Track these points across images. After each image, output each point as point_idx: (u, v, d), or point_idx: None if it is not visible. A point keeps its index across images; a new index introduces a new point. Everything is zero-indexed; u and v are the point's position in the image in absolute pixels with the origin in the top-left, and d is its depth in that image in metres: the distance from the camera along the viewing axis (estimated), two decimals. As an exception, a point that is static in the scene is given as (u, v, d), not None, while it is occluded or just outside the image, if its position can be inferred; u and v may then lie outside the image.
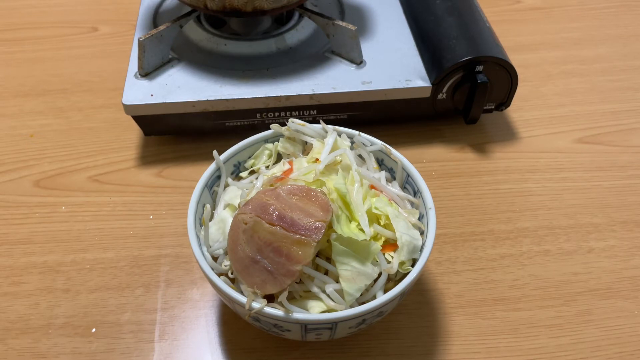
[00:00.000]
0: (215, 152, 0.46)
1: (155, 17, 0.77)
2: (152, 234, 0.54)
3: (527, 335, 0.47)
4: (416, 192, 0.46)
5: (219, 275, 0.40)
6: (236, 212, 0.41)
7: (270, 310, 0.37)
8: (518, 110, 0.68)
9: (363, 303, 0.38)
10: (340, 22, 0.67)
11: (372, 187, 0.44)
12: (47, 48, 0.75)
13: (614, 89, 0.70)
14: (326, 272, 0.40)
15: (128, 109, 0.57)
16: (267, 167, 0.48)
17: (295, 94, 0.58)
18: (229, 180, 0.47)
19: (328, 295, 0.39)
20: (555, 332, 0.47)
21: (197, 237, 0.42)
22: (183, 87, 0.59)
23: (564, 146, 0.64)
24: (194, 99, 0.57)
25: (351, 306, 0.38)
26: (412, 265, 0.41)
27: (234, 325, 0.47)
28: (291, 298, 0.39)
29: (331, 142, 0.45)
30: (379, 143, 0.48)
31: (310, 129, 0.48)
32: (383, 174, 0.47)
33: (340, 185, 0.42)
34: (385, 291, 0.39)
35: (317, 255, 0.40)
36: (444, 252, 0.53)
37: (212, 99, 0.57)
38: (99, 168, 0.60)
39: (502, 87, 0.61)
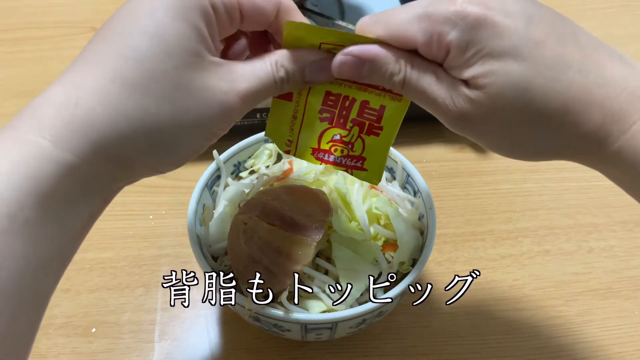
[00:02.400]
0: (215, 152, 0.46)
1: (155, 17, 0.77)
2: (152, 234, 0.54)
3: (528, 335, 0.47)
4: (416, 192, 0.46)
5: (219, 275, 0.40)
6: (236, 212, 0.41)
7: (270, 310, 0.37)
8: (518, 110, 0.68)
9: (363, 303, 0.38)
10: (340, 22, 0.67)
11: (372, 187, 0.44)
12: (47, 48, 0.75)
13: (614, 89, 0.70)
14: (326, 272, 0.40)
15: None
16: (267, 167, 0.48)
17: (295, 94, 0.58)
18: (229, 180, 0.47)
19: (328, 295, 0.39)
20: (556, 332, 0.47)
21: (197, 237, 0.42)
22: (183, 87, 0.59)
23: (564, 146, 0.64)
24: (194, 99, 0.57)
25: (351, 306, 0.38)
26: (412, 265, 0.41)
27: (234, 325, 0.47)
28: (291, 298, 0.39)
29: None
30: (379, 143, 0.48)
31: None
32: (383, 174, 0.47)
33: (340, 185, 0.42)
34: (385, 291, 0.39)
35: (317, 255, 0.40)
36: (444, 252, 0.53)
37: (212, 99, 0.57)
38: (99, 168, 0.60)
39: (502, 87, 0.61)
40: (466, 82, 0.29)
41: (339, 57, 0.30)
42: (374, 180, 0.36)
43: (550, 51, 0.28)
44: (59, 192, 0.24)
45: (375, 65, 0.30)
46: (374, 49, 0.30)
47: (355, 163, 0.36)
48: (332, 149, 0.35)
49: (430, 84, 0.29)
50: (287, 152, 0.36)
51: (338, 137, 0.35)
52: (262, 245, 0.38)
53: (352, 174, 0.36)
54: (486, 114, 0.29)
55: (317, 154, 0.36)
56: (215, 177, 0.46)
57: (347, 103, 0.34)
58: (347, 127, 0.35)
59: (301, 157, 0.36)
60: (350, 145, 0.35)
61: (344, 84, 0.33)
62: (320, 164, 0.36)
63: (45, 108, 0.25)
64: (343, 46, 0.30)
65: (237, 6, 0.28)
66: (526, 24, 0.28)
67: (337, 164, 0.36)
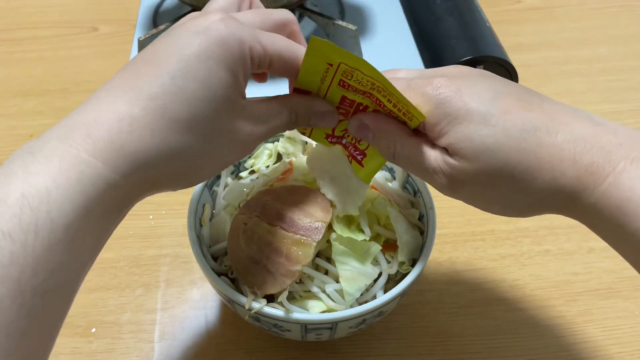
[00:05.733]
0: (215, 152, 0.46)
1: (155, 17, 0.77)
2: (152, 234, 0.54)
3: (528, 335, 0.47)
4: (416, 192, 0.46)
5: (219, 275, 0.40)
6: (236, 212, 0.41)
7: (270, 310, 0.37)
8: (518, 110, 0.67)
9: (363, 303, 0.38)
10: (340, 22, 0.67)
11: (372, 187, 0.44)
12: (47, 48, 0.75)
13: (614, 89, 0.70)
14: (326, 272, 0.40)
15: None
16: (267, 167, 0.48)
17: (295, 94, 0.58)
18: (229, 180, 0.47)
19: (328, 295, 0.39)
20: (556, 332, 0.47)
21: (197, 237, 0.42)
22: (183, 87, 0.59)
23: (564, 146, 0.63)
24: (194, 99, 0.57)
25: (351, 306, 0.38)
26: (412, 265, 0.41)
27: (234, 325, 0.47)
28: (291, 298, 0.39)
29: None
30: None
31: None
32: (383, 174, 0.47)
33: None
34: (385, 291, 0.39)
35: (317, 255, 0.40)
36: (444, 252, 0.53)
37: (212, 99, 0.57)
38: (99, 168, 0.60)
39: (502, 87, 0.61)
40: (447, 151, 0.32)
41: (355, 121, 0.36)
42: (365, 179, 0.39)
43: (517, 117, 0.30)
44: (103, 207, 0.27)
45: (375, 137, 0.35)
46: (375, 125, 0.35)
47: (358, 155, 0.39)
48: (344, 135, 0.38)
49: (417, 159, 0.34)
50: (303, 134, 0.39)
51: None
52: (262, 245, 0.38)
53: (350, 163, 0.39)
54: (468, 178, 0.32)
55: (330, 139, 0.39)
56: (215, 177, 0.46)
57: (361, 107, 0.36)
58: None
59: (315, 139, 0.39)
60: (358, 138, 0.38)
61: (359, 94, 0.34)
62: (331, 146, 0.39)
63: (99, 130, 0.27)
64: (359, 71, 0.32)
65: (269, 60, 0.32)
66: (492, 97, 0.31)
67: (345, 146, 0.39)
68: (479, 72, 0.34)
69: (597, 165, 0.29)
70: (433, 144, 0.33)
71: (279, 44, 0.32)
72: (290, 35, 0.35)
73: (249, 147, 0.33)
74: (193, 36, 0.29)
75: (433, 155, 0.33)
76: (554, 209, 0.32)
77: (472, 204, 0.34)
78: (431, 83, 0.32)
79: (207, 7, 0.33)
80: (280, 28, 0.35)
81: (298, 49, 0.33)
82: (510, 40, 0.74)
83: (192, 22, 0.30)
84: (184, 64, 0.29)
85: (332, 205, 0.40)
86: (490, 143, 0.30)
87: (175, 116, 0.28)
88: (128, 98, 0.28)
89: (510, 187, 0.31)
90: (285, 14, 0.35)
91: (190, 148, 0.29)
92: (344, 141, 0.39)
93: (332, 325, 0.38)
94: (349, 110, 0.36)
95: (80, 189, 0.26)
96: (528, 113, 0.31)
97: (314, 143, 0.47)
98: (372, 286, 0.40)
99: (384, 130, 0.35)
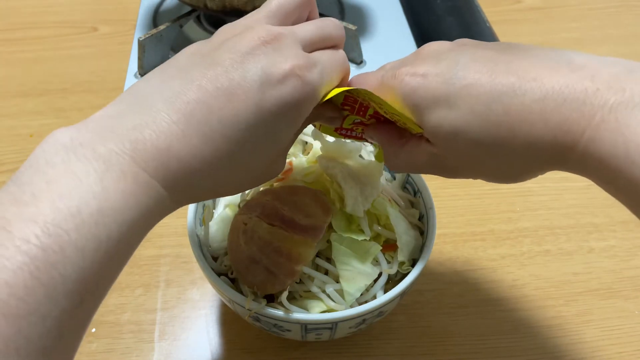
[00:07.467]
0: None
1: (155, 17, 0.77)
2: (152, 234, 0.53)
3: (528, 335, 0.47)
4: (416, 192, 0.46)
5: (219, 275, 0.40)
6: (236, 213, 0.41)
7: (270, 310, 0.37)
8: (518, 110, 0.67)
9: (363, 303, 0.38)
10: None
11: (372, 187, 0.44)
12: (47, 48, 0.75)
13: (614, 89, 0.70)
14: (326, 272, 0.40)
15: (128, 109, 0.57)
16: (267, 167, 0.48)
17: (295, 94, 0.58)
18: (229, 180, 0.47)
19: (328, 295, 0.39)
20: (556, 332, 0.47)
21: (197, 237, 0.42)
22: (183, 87, 0.59)
23: (564, 146, 0.63)
24: (194, 99, 0.57)
25: (351, 306, 0.38)
26: (412, 265, 0.41)
27: (234, 325, 0.47)
28: (291, 298, 0.39)
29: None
30: (379, 143, 0.48)
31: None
32: (383, 174, 0.47)
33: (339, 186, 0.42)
34: (385, 291, 0.39)
35: (317, 255, 0.40)
36: (444, 252, 0.53)
37: (212, 99, 0.57)
38: (99, 168, 0.60)
39: (502, 87, 0.61)
40: (429, 141, 0.32)
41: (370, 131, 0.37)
42: (380, 159, 0.42)
43: (481, 88, 0.29)
44: (154, 224, 0.30)
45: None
46: (381, 139, 0.36)
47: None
48: (353, 128, 0.39)
49: (419, 154, 0.34)
50: (314, 126, 0.40)
51: (359, 121, 0.38)
52: (262, 245, 0.38)
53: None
54: (451, 162, 0.32)
55: (340, 132, 0.39)
56: (215, 177, 0.46)
57: (365, 104, 0.36)
58: (366, 117, 0.37)
59: (325, 132, 0.40)
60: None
61: (360, 96, 0.34)
62: (344, 139, 0.40)
63: (173, 163, 0.28)
64: (356, 90, 0.33)
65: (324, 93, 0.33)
66: (455, 73, 0.30)
67: (358, 138, 0.40)
68: (450, 45, 0.32)
69: (570, 122, 0.26)
70: (418, 140, 0.33)
71: (337, 74, 0.33)
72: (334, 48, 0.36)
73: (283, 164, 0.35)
74: (270, 86, 0.29)
75: (426, 147, 0.33)
76: (551, 168, 0.30)
77: (471, 177, 0.35)
78: (396, 76, 0.31)
79: (260, 11, 0.34)
80: (333, 44, 0.35)
81: (347, 71, 0.35)
82: (510, 40, 0.74)
83: (265, 58, 0.29)
84: (259, 118, 0.29)
85: (334, 203, 0.40)
86: (459, 125, 0.29)
87: (241, 162, 0.30)
88: (203, 135, 0.28)
89: (493, 160, 0.30)
90: (341, 32, 0.35)
91: (241, 183, 0.32)
92: (354, 134, 0.39)
93: (332, 325, 0.38)
94: (353, 107, 0.37)
95: (147, 213, 0.28)
96: (494, 79, 0.29)
97: (316, 144, 0.47)
98: (372, 286, 0.40)
99: (388, 145, 0.36)
